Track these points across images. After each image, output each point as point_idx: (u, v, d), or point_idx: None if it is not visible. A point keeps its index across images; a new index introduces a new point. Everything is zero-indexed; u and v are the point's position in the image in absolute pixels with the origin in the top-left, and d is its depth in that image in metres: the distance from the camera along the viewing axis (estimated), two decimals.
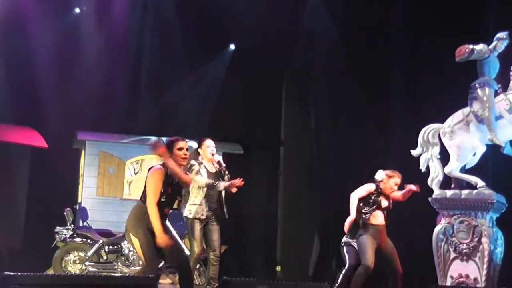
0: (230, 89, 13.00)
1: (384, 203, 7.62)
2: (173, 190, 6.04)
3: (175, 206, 6.37)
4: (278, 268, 13.50)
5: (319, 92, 12.59)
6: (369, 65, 11.67)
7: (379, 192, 7.62)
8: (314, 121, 13.00)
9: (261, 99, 13.47)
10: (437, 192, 8.18)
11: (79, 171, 12.49)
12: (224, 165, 7.57)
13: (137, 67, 12.34)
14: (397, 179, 7.65)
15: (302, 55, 12.74)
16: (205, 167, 7.43)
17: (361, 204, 7.60)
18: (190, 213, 7.33)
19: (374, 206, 7.57)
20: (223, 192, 7.47)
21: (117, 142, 12.33)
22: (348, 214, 7.78)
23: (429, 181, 8.29)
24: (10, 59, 11.32)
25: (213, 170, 7.49)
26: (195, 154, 7.50)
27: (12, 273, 3.85)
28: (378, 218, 7.61)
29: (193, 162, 7.36)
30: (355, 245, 8.13)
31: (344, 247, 8.32)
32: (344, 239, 8.39)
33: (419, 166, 8.44)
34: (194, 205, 7.32)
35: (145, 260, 5.94)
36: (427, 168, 8.38)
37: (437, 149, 8.36)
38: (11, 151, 11.57)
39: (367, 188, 7.66)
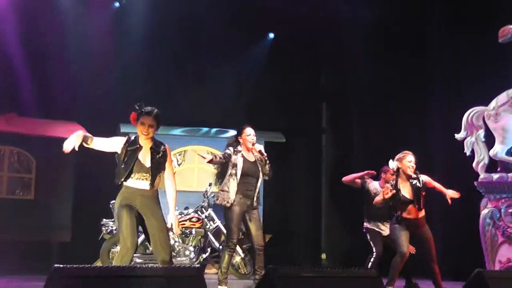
0: (270, 77, 12.99)
1: (404, 192, 7.20)
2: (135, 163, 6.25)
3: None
4: (324, 255, 13.50)
5: (359, 77, 12.49)
6: (409, 49, 11.54)
7: (396, 185, 7.23)
8: (354, 108, 12.91)
9: (302, 87, 13.42)
10: (482, 175, 8.07)
11: None
12: (265, 154, 7.26)
13: (178, 59, 12.39)
14: (409, 156, 7.23)
15: (341, 41, 12.65)
16: (243, 156, 7.17)
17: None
18: (217, 199, 7.22)
19: (398, 200, 7.25)
20: (260, 179, 7.29)
21: (159, 134, 12.38)
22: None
23: (474, 165, 8.18)
24: (51, 54, 11.45)
25: (252, 159, 7.23)
26: (234, 142, 7.31)
27: (61, 265, 3.91)
28: (410, 212, 7.26)
29: (229, 150, 7.20)
30: (379, 230, 8.07)
31: (368, 235, 8.23)
32: (366, 225, 8.29)
33: (461, 150, 8.33)
34: (222, 192, 7.15)
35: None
36: (472, 151, 8.27)
37: (481, 132, 8.25)
38: (57, 146, 11.73)
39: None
